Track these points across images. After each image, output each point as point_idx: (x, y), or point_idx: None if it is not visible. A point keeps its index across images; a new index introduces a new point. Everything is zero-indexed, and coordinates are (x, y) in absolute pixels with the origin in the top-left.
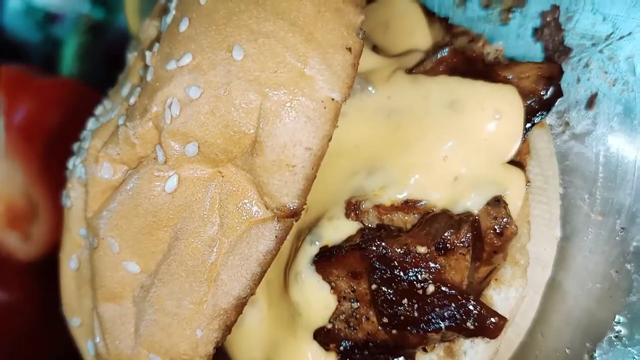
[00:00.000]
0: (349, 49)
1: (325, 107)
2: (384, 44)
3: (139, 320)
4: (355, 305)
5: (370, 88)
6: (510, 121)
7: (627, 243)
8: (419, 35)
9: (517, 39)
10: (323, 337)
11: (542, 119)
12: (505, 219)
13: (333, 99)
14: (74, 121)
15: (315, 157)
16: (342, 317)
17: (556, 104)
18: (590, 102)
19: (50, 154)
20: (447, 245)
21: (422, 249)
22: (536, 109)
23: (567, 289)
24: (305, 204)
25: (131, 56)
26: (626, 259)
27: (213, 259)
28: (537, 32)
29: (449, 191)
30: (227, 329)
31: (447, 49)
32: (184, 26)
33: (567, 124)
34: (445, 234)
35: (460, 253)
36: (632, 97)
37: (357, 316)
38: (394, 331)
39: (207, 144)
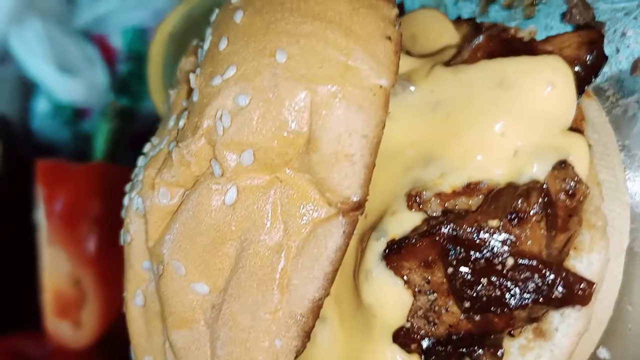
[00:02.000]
0: (389, 38)
1: (374, 94)
2: (415, 53)
3: (214, 342)
4: (432, 297)
5: (411, 87)
6: (564, 88)
7: None
8: (447, 38)
9: (545, 31)
10: (403, 338)
11: (591, 84)
12: (574, 179)
13: (381, 86)
14: (112, 202)
15: (372, 144)
16: (420, 312)
17: (602, 77)
18: (634, 67)
19: (93, 236)
20: (520, 214)
21: (494, 223)
22: (583, 75)
23: None
24: (368, 194)
25: (172, 92)
26: None
27: (282, 265)
28: (565, 16)
29: (510, 166)
30: (306, 335)
31: (482, 36)
32: (223, 45)
33: (615, 94)
34: (516, 204)
35: (534, 221)
36: None
37: (436, 309)
38: (477, 317)
39: (262, 150)
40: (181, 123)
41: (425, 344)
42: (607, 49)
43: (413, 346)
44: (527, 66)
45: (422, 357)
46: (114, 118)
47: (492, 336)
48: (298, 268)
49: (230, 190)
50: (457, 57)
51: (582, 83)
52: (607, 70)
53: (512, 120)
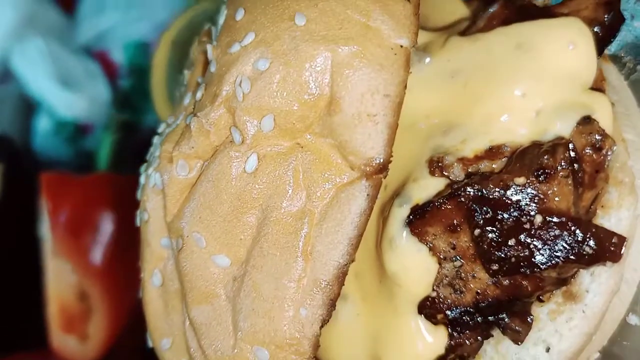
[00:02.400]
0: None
1: (395, 54)
2: (429, 29)
3: (236, 315)
4: (458, 263)
5: (427, 59)
6: (584, 47)
7: None
8: (459, 14)
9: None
10: (429, 308)
11: (609, 44)
12: (600, 133)
13: (402, 46)
14: (117, 212)
15: (394, 103)
16: (445, 281)
17: (618, 45)
18: None
19: (99, 247)
20: (546, 171)
21: (520, 180)
22: (601, 35)
23: None
24: (392, 156)
25: (187, 72)
26: None
27: (306, 232)
28: None
29: (533, 126)
30: (332, 303)
31: (496, 4)
32: (240, 15)
33: (632, 60)
34: (542, 160)
35: (561, 177)
36: None
37: (462, 276)
38: (505, 281)
39: (282, 114)
40: (198, 95)
41: (451, 314)
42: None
43: (439, 317)
44: (545, 28)
45: (449, 328)
46: (117, 130)
47: (520, 302)
48: (322, 234)
49: (250, 158)
50: (472, 27)
51: (601, 43)
52: (623, 37)
53: (533, 82)
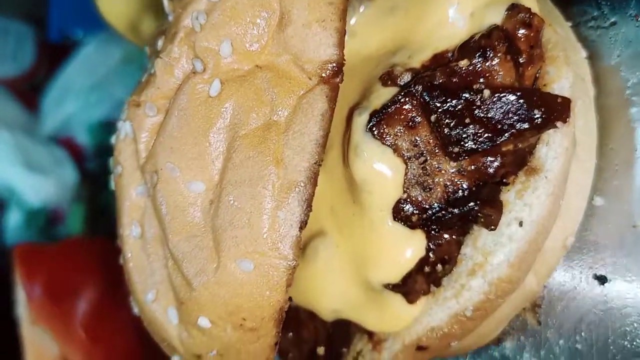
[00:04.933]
0: None
1: None
2: None
3: (217, 236)
4: (422, 159)
5: (361, 8)
6: None
7: None
8: None
9: None
10: (403, 212)
11: None
12: (527, 12)
13: None
14: (95, 275)
15: (338, 9)
16: (414, 180)
17: None
18: None
19: (79, 312)
20: (486, 50)
21: (464, 62)
22: None
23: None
24: (344, 59)
25: (147, 48)
26: None
27: (274, 140)
28: None
29: (469, 26)
30: (307, 204)
31: None
32: None
33: None
34: (480, 43)
35: (500, 54)
36: None
37: (429, 171)
38: (470, 167)
39: (239, 37)
40: (159, 44)
41: (425, 213)
42: None
43: (414, 219)
44: None
45: (426, 229)
46: (88, 201)
47: (487, 187)
48: (289, 139)
49: (214, 83)
50: None
51: None
52: None
53: None
